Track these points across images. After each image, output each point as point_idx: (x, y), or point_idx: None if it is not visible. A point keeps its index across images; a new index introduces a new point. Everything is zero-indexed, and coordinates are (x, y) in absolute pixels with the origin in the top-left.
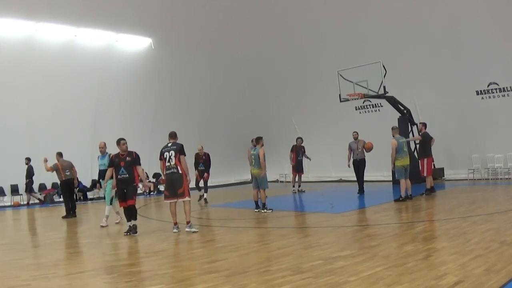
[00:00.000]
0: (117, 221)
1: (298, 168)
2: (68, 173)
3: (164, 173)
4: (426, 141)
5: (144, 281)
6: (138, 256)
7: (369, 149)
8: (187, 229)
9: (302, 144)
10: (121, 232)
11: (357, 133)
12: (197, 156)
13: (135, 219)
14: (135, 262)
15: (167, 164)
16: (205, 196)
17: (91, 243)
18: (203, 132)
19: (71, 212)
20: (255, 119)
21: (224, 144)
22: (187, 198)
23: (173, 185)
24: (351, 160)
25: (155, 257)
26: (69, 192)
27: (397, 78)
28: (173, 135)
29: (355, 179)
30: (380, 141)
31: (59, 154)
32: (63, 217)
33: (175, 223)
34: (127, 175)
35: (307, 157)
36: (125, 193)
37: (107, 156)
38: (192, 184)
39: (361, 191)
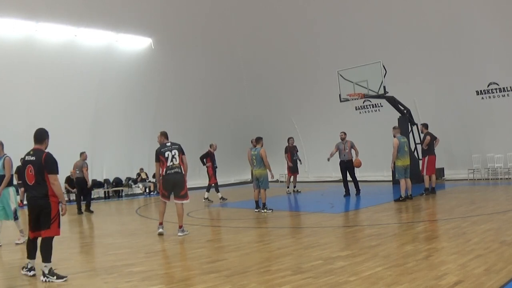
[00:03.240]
0: (19, 241)
1: (293, 169)
2: (78, 172)
3: (162, 174)
4: (431, 136)
5: (144, 281)
6: (138, 256)
7: (358, 166)
8: (179, 234)
9: (294, 144)
10: (121, 232)
11: (345, 134)
12: (211, 154)
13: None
14: (135, 262)
15: (169, 163)
16: (206, 195)
17: (91, 243)
18: (203, 132)
19: (80, 209)
20: (255, 119)
21: (224, 144)
22: (186, 201)
23: (174, 185)
24: (339, 161)
25: (155, 257)
26: (80, 190)
27: (397, 78)
28: (166, 135)
29: (347, 181)
30: (379, 141)
31: (80, 154)
32: (78, 214)
33: (161, 223)
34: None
35: (299, 159)
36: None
37: (2, 160)
38: (192, 184)
39: (357, 191)
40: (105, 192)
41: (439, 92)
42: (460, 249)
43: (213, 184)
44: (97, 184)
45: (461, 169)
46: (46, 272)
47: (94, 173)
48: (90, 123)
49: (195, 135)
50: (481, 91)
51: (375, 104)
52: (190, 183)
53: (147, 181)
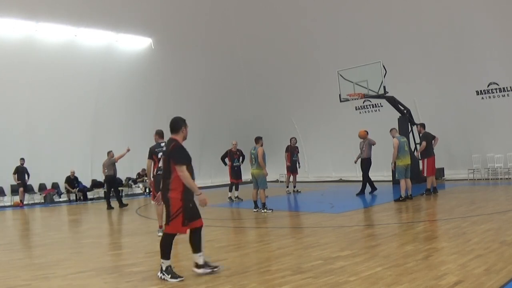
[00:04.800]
0: None
1: (292, 169)
2: (106, 171)
3: (154, 174)
4: (427, 141)
5: (144, 281)
6: (138, 256)
7: (362, 137)
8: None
9: (296, 145)
10: (121, 232)
11: (366, 132)
12: (230, 153)
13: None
14: (135, 262)
15: (161, 164)
16: (236, 194)
17: (91, 243)
18: (203, 132)
19: (110, 205)
20: (255, 119)
21: (224, 144)
22: None
23: None
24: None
25: (155, 257)
26: (108, 187)
27: (397, 78)
28: (162, 134)
29: (360, 179)
30: (379, 141)
31: (107, 153)
32: (107, 209)
33: (161, 226)
34: None
35: (298, 161)
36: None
37: None
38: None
39: (361, 191)
40: (105, 192)
41: (439, 92)
42: (460, 249)
43: (230, 182)
44: (97, 184)
45: (461, 169)
46: (163, 268)
47: (94, 173)
48: (90, 123)
49: (195, 135)
50: (481, 91)
51: (375, 104)
52: None
53: (147, 181)
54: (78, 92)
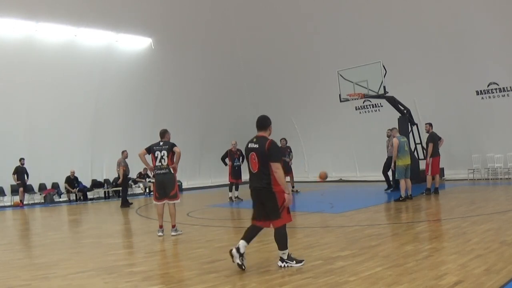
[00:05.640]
0: None
1: (286, 169)
2: (118, 170)
3: (153, 171)
4: (434, 141)
5: (144, 281)
6: (138, 256)
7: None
8: (173, 233)
9: (288, 145)
10: (121, 232)
11: (390, 130)
12: (230, 152)
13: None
14: (135, 262)
15: (158, 164)
16: (236, 194)
17: (91, 243)
18: (203, 131)
19: (126, 202)
20: (255, 119)
21: (224, 144)
22: (177, 201)
23: (164, 186)
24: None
25: (155, 257)
26: (123, 186)
27: (397, 78)
28: (163, 134)
29: (387, 175)
30: (379, 141)
31: (122, 152)
32: (120, 207)
33: (161, 226)
34: None
35: (289, 159)
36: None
37: None
38: (191, 184)
39: (388, 187)
40: (105, 192)
41: (439, 92)
42: (460, 249)
43: (230, 182)
44: (97, 184)
45: (461, 169)
46: (285, 258)
47: (94, 173)
48: (90, 123)
49: (195, 135)
50: (481, 91)
51: (375, 104)
52: (190, 183)
53: (147, 180)
54: (78, 92)
